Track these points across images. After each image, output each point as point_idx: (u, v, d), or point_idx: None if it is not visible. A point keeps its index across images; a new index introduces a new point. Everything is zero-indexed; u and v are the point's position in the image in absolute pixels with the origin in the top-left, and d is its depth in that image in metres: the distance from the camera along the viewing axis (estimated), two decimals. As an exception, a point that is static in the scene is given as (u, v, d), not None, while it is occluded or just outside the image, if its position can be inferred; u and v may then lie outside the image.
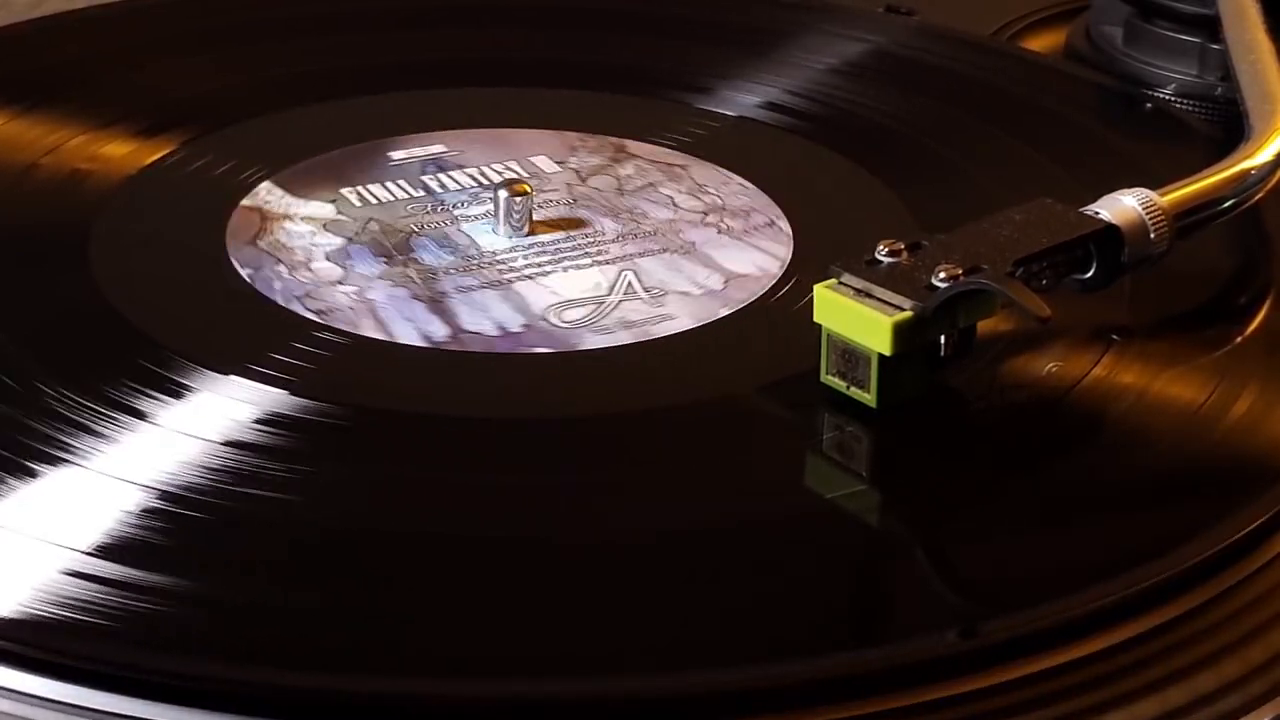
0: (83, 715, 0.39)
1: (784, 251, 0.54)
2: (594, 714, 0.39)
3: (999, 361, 0.49)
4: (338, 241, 0.56)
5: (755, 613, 0.41)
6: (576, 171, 0.59)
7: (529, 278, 0.54)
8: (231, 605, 0.41)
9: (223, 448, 0.45)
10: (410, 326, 0.51)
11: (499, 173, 0.60)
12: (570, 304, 0.52)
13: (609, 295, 0.52)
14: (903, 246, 0.47)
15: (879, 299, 0.46)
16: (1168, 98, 0.68)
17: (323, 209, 0.58)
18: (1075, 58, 0.72)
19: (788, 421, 0.48)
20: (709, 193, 0.58)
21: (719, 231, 0.56)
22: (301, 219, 0.57)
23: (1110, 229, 0.50)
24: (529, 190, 0.56)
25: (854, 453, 0.47)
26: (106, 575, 0.41)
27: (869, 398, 0.46)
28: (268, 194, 0.58)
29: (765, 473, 0.46)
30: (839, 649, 0.41)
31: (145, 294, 0.52)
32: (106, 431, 0.46)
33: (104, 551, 0.41)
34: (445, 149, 0.61)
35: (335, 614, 0.40)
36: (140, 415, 0.46)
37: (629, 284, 0.53)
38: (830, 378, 0.47)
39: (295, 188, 0.59)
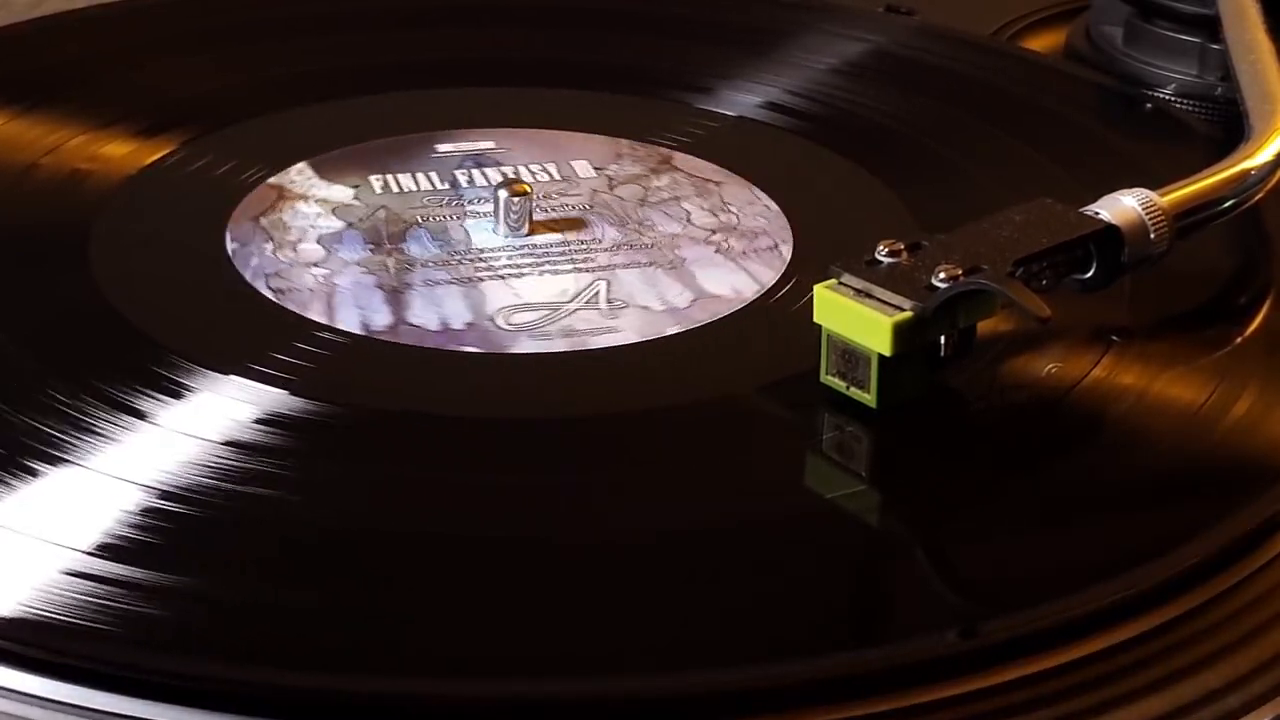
0: (83, 715, 0.39)
1: (769, 276, 0.54)
2: (594, 714, 0.39)
3: (999, 362, 0.49)
4: (337, 226, 0.56)
5: (755, 613, 0.41)
6: (610, 178, 0.59)
7: (501, 278, 0.54)
8: (231, 605, 0.41)
9: (222, 447, 0.45)
10: (356, 314, 0.51)
11: (533, 173, 0.60)
12: (525, 307, 0.52)
13: (569, 302, 0.52)
14: (903, 247, 0.47)
15: (879, 299, 0.46)
16: (1168, 98, 0.68)
17: (342, 193, 0.58)
18: (1075, 58, 0.72)
19: (788, 421, 0.48)
20: (729, 211, 0.57)
21: (716, 250, 0.55)
22: (316, 201, 0.58)
23: (1110, 229, 0.50)
24: (528, 190, 0.56)
25: (854, 453, 0.47)
26: (106, 575, 0.41)
27: (869, 398, 0.46)
28: (297, 174, 0.59)
29: (765, 473, 0.46)
30: (839, 649, 0.41)
31: (145, 294, 0.52)
32: (106, 431, 0.46)
33: (104, 551, 0.41)
34: (493, 145, 0.61)
35: (335, 614, 0.40)
36: (140, 415, 0.46)
37: (596, 293, 0.52)
38: (830, 378, 0.47)
39: (326, 171, 0.59)
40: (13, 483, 0.44)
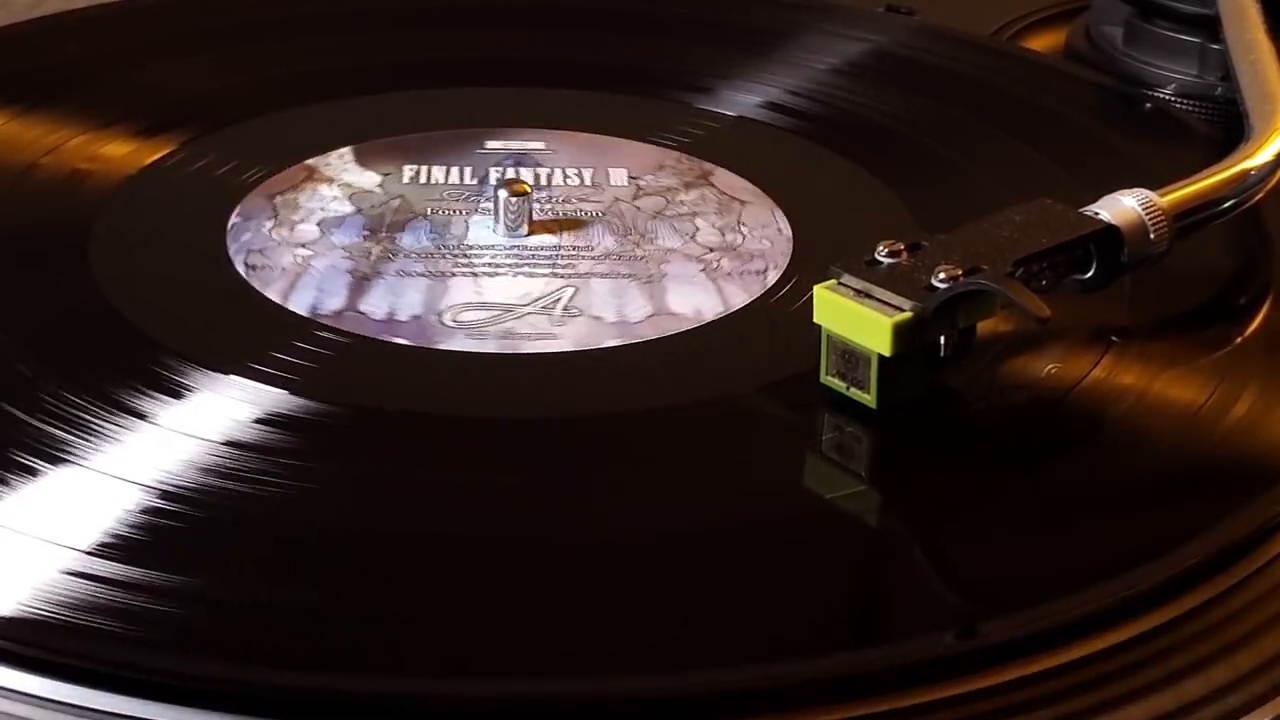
0: (82, 715, 0.39)
1: (741, 299, 0.53)
2: (594, 714, 0.39)
3: (999, 362, 0.49)
4: (346, 210, 0.57)
5: (755, 613, 0.41)
6: (639, 188, 0.59)
7: (474, 275, 0.54)
8: (231, 605, 0.41)
9: (222, 447, 0.45)
10: (311, 296, 0.52)
11: (567, 176, 0.60)
12: (479, 306, 0.52)
13: (525, 306, 0.52)
14: (902, 247, 0.47)
15: (879, 300, 0.46)
16: (1168, 98, 0.68)
17: (368, 180, 0.59)
18: (1075, 58, 0.72)
19: (788, 421, 0.48)
20: (739, 231, 0.56)
21: (704, 269, 0.54)
22: (339, 184, 0.58)
23: (1110, 229, 0.50)
24: (528, 190, 0.56)
25: (854, 453, 0.47)
26: (106, 575, 0.41)
27: (869, 398, 0.46)
28: (336, 158, 0.60)
29: (765, 473, 0.46)
30: (839, 649, 0.41)
31: (145, 294, 0.52)
32: (106, 431, 0.46)
33: (103, 551, 0.41)
34: (542, 146, 0.61)
35: (335, 614, 0.40)
36: (140, 415, 0.46)
37: (558, 300, 0.52)
38: (830, 378, 0.47)
39: (366, 157, 0.60)
40: (13, 483, 0.44)
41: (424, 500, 0.44)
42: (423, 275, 0.54)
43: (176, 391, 0.47)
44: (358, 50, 0.69)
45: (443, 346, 0.50)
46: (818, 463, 0.47)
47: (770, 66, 0.67)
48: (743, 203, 0.58)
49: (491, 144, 0.62)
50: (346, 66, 0.67)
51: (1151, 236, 0.50)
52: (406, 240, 0.56)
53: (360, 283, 0.53)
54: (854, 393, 0.47)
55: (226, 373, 0.48)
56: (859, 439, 0.47)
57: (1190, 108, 0.67)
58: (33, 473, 0.44)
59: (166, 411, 0.46)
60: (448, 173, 0.60)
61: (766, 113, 0.65)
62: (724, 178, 0.60)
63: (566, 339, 0.51)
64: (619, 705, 0.39)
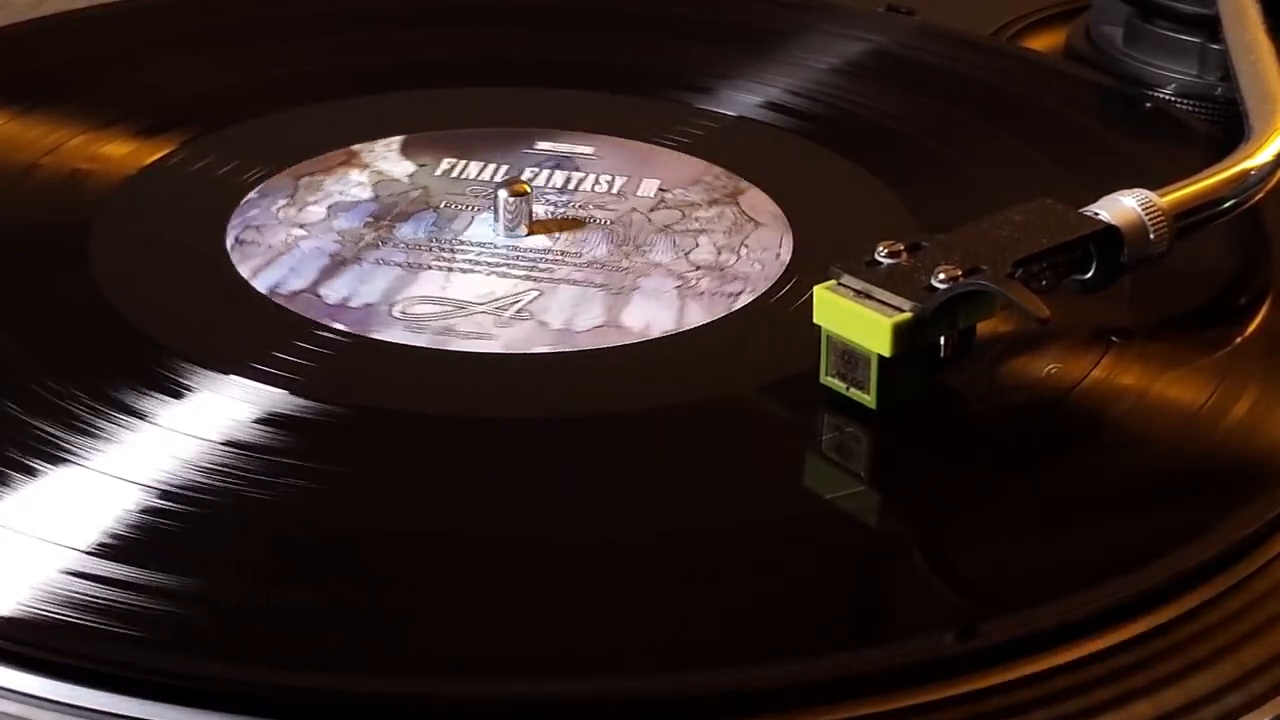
0: (82, 715, 0.39)
1: (699, 319, 0.52)
2: (594, 714, 0.39)
3: (999, 362, 0.49)
4: (363, 196, 0.58)
5: (755, 613, 0.41)
6: (663, 200, 0.58)
7: (449, 270, 0.54)
8: (231, 605, 0.41)
9: (222, 447, 0.45)
10: (278, 275, 0.53)
11: (598, 181, 0.59)
12: (435, 300, 0.52)
13: (480, 304, 0.52)
14: (902, 247, 0.47)
15: (879, 300, 0.46)
16: (1168, 98, 0.68)
17: (402, 169, 0.59)
18: (1075, 58, 0.72)
19: (788, 421, 0.48)
20: (736, 252, 0.55)
21: (679, 287, 0.53)
22: (371, 171, 0.59)
23: (1110, 229, 0.50)
24: (527, 191, 0.56)
25: (854, 453, 0.47)
26: (106, 575, 0.41)
27: (869, 399, 0.46)
28: (384, 146, 0.60)
29: (765, 473, 0.46)
30: (839, 649, 0.41)
31: (145, 294, 0.52)
32: (106, 431, 0.46)
33: (103, 551, 0.41)
34: (590, 152, 0.61)
35: (335, 614, 0.40)
36: (140, 415, 0.46)
37: (516, 302, 0.52)
38: (830, 379, 0.47)
39: (412, 148, 0.61)
40: (13, 483, 0.44)
41: (424, 500, 0.44)
42: (398, 265, 0.54)
43: (176, 391, 0.47)
44: (358, 50, 0.69)
45: (376, 336, 0.50)
46: (818, 463, 0.47)
47: (770, 66, 0.67)
48: (757, 224, 0.57)
49: (541, 145, 0.62)
50: (346, 66, 0.67)
51: (1151, 237, 0.50)
52: (404, 230, 0.56)
53: (335, 267, 0.53)
54: (854, 393, 0.47)
55: (226, 373, 0.48)
56: (859, 439, 0.47)
57: (1190, 108, 0.67)
58: (32, 473, 0.44)
59: (166, 411, 0.46)
60: (482, 169, 0.60)
61: (766, 113, 0.65)
62: (753, 198, 0.59)
63: (499, 341, 0.50)
64: (619, 705, 0.39)
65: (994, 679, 0.40)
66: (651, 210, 0.57)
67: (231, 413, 0.46)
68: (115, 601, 0.40)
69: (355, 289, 0.52)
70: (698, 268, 0.54)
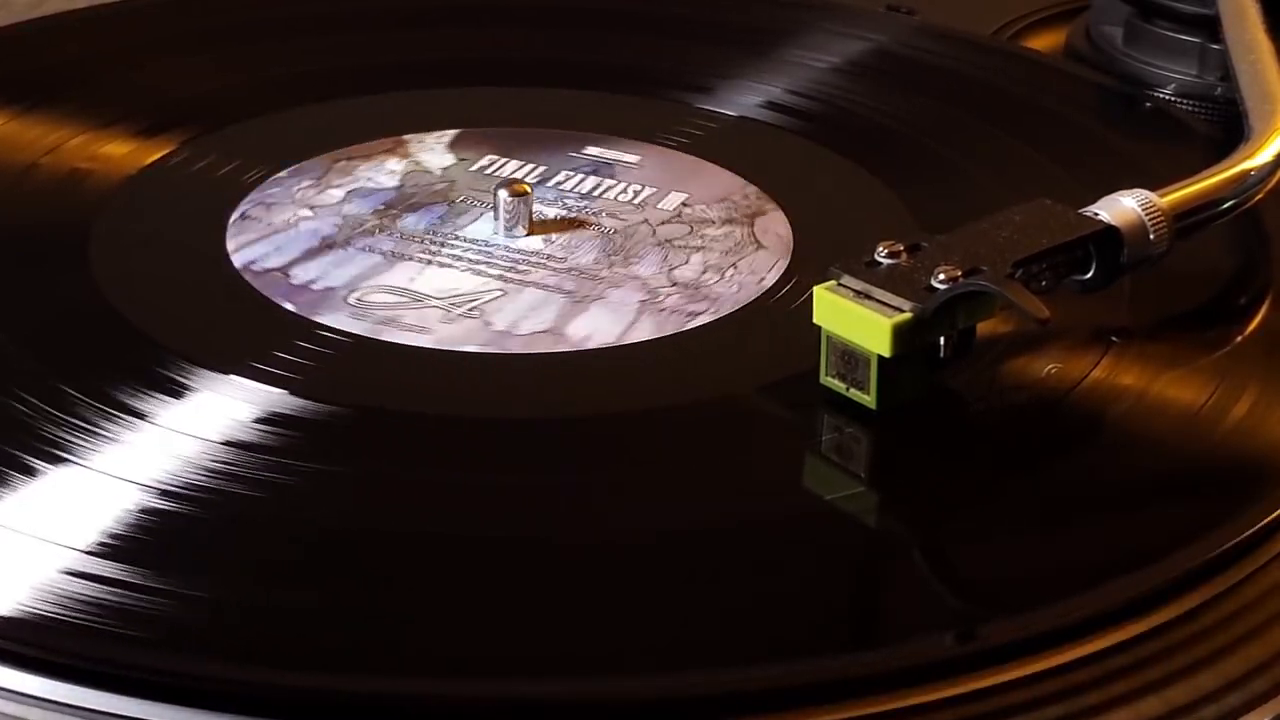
0: (82, 715, 0.39)
1: (647, 334, 0.51)
2: (594, 714, 0.39)
3: (999, 363, 0.49)
4: (389, 184, 0.58)
5: (755, 613, 0.41)
6: (680, 215, 0.58)
7: (427, 263, 0.54)
8: (231, 605, 0.41)
9: (222, 447, 0.45)
10: (258, 251, 0.54)
11: (627, 191, 0.59)
12: (394, 290, 0.52)
13: (436, 299, 0.52)
14: (902, 248, 0.47)
15: (878, 300, 0.46)
16: (1168, 98, 0.68)
17: (438, 161, 0.60)
18: (1075, 58, 0.72)
19: (788, 421, 0.48)
20: (721, 273, 0.54)
21: (645, 300, 0.53)
22: (410, 161, 0.59)
23: (1110, 230, 0.50)
24: (527, 192, 0.56)
25: (853, 453, 0.47)
26: (106, 575, 0.41)
27: (869, 399, 0.46)
28: (435, 138, 0.61)
29: (765, 473, 0.46)
30: (839, 649, 0.41)
31: (145, 294, 0.52)
32: (106, 431, 0.46)
33: (103, 551, 0.41)
34: (634, 160, 0.61)
35: (334, 614, 0.40)
36: (140, 415, 0.46)
37: (473, 301, 0.52)
38: (830, 379, 0.47)
39: (460, 142, 0.61)
40: (13, 483, 0.44)
41: (424, 500, 0.44)
42: (380, 254, 0.54)
43: (176, 391, 0.47)
44: (358, 50, 0.69)
45: (320, 319, 0.51)
46: (817, 463, 0.47)
47: (770, 66, 0.67)
48: (759, 247, 0.56)
49: (590, 150, 0.61)
50: (346, 66, 0.67)
51: (1151, 237, 0.50)
52: (408, 220, 0.56)
53: (320, 250, 0.54)
54: (854, 393, 0.47)
55: (226, 373, 0.48)
56: (859, 439, 0.47)
57: (1190, 108, 0.67)
58: (32, 473, 0.44)
59: (166, 411, 0.46)
60: (518, 169, 0.60)
61: (766, 113, 0.65)
62: (770, 221, 0.58)
63: (434, 336, 0.50)
64: (619, 705, 0.39)
65: (994, 679, 0.40)
66: (662, 223, 0.57)
67: (231, 412, 0.46)
68: (115, 601, 0.40)
69: (326, 272, 0.53)
70: (674, 284, 0.54)
